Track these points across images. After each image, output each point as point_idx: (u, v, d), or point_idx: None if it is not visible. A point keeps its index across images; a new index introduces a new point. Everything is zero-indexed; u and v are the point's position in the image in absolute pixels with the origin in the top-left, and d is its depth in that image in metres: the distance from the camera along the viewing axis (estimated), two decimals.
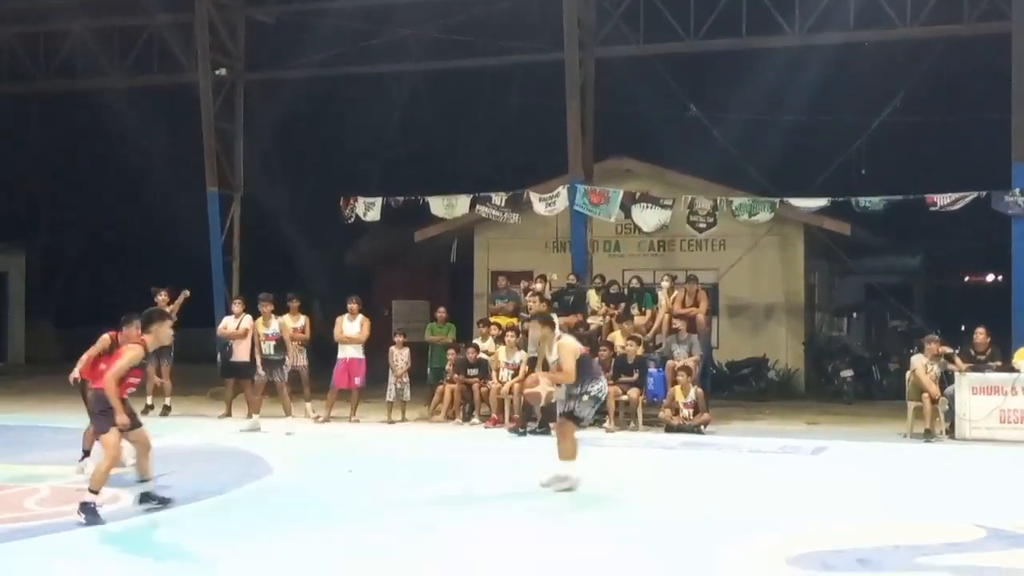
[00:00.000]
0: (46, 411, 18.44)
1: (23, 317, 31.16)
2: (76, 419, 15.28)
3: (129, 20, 24.24)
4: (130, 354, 9.60)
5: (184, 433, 15.39)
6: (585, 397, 11.05)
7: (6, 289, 30.69)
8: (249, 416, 16.22)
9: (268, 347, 17.01)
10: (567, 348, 11.11)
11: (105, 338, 10.68)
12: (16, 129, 32.94)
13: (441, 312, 19.19)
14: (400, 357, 17.54)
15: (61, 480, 11.10)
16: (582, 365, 11.09)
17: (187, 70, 23.79)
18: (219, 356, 18.05)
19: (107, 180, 33.69)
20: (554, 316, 12.12)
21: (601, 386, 11.28)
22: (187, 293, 18.39)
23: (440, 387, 17.73)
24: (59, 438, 15.00)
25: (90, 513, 9.09)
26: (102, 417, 9.51)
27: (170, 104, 27.92)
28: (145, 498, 9.74)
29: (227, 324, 17.64)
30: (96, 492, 9.21)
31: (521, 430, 15.76)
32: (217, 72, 23.25)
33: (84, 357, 10.93)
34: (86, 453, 11.45)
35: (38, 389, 22.66)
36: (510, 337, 17.43)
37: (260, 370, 16.81)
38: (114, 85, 25.80)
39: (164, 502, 9.70)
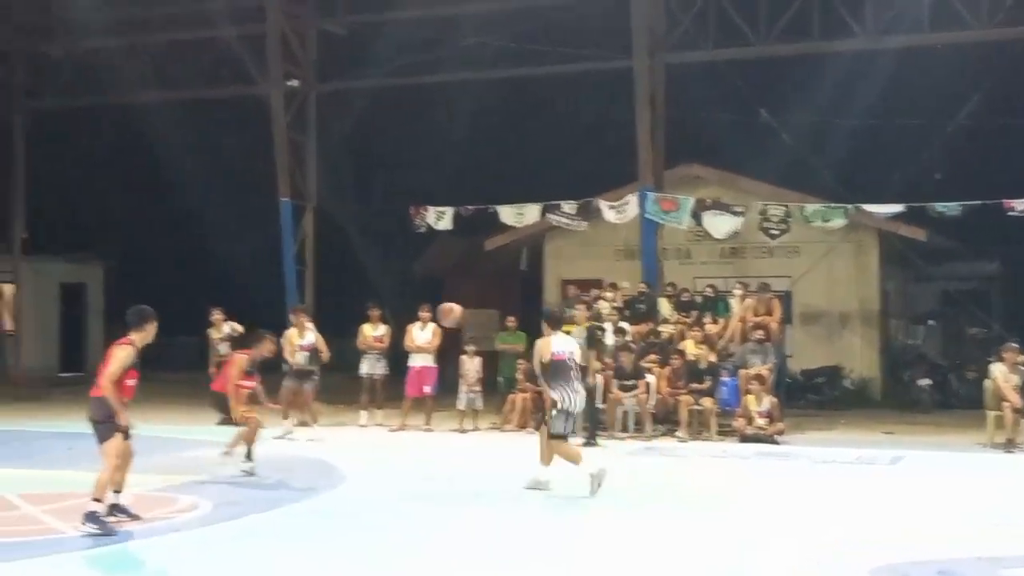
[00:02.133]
0: None
1: (102, 327, 31.70)
2: (155, 427, 15.57)
3: (202, 33, 24.57)
4: (121, 355, 9.48)
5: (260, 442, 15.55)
6: (556, 411, 10.97)
7: (85, 299, 31.25)
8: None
9: (302, 357, 16.99)
10: (536, 348, 11.18)
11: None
12: (92, 142, 33.54)
13: (511, 321, 19.20)
14: (471, 366, 17.58)
15: (140, 488, 11.27)
16: (552, 370, 11.01)
17: (259, 82, 24.06)
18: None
19: (182, 191, 34.16)
20: (553, 314, 11.94)
21: (567, 397, 11.00)
22: (240, 329, 18.39)
23: (511, 396, 17.73)
24: (136, 445, 15.27)
25: (96, 522, 8.98)
26: (103, 426, 9.41)
27: (243, 115, 28.28)
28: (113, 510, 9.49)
29: (291, 334, 17.76)
30: (100, 501, 9.10)
31: (591, 439, 15.69)
32: (289, 83, 23.50)
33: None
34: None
35: None
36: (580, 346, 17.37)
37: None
38: (187, 97, 26.21)
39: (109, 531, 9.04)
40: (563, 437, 11.15)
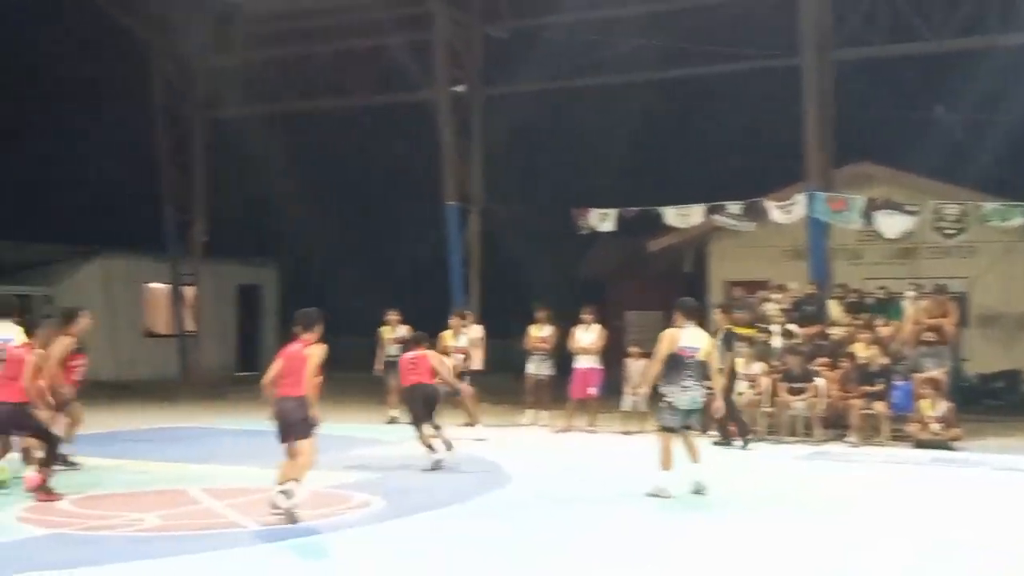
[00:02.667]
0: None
1: (276, 328, 32.75)
2: (327, 425, 16.02)
3: (369, 41, 25.16)
4: (318, 355, 9.89)
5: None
6: (662, 403, 11.06)
7: (260, 302, 32.34)
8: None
9: (394, 349, 17.45)
10: (663, 337, 11.14)
11: None
12: (265, 148, 34.66)
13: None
14: (635, 369, 17.51)
15: (315, 484, 11.61)
16: (670, 363, 10.96)
17: (425, 87, 24.49)
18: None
19: (351, 195, 35.03)
20: (689, 305, 11.79)
21: (675, 392, 11.01)
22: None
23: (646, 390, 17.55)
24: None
25: (290, 498, 9.49)
26: (303, 424, 9.76)
27: (410, 121, 28.84)
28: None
29: (446, 336, 18.07)
30: (297, 483, 9.59)
31: (739, 442, 15.46)
32: (455, 89, 23.86)
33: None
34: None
35: None
36: (745, 348, 17.15)
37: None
38: (356, 104, 26.90)
39: None
40: (669, 430, 11.11)
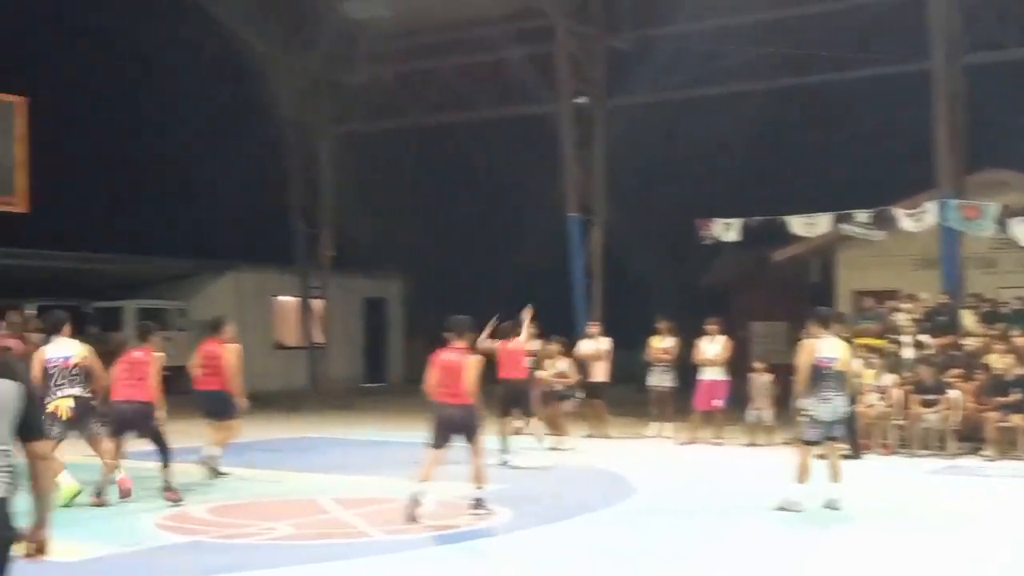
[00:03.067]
0: (424, 428, 19.53)
1: (401, 339, 33.24)
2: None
3: (494, 55, 25.42)
4: (475, 364, 10.49)
5: (550, 452, 15.91)
6: (802, 416, 10.89)
7: (386, 313, 32.85)
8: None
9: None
10: (802, 349, 11.03)
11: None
12: (390, 162, 35.21)
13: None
14: (760, 382, 17.29)
15: (445, 494, 11.75)
16: (813, 374, 10.81)
17: (548, 100, 24.61)
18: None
19: (474, 208, 35.35)
20: (824, 314, 11.63)
21: (815, 404, 10.78)
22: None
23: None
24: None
25: (483, 507, 10.31)
26: (476, 428, 10.47)
27: (531, 133, 29.02)
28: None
29: (583, 347, 18.11)
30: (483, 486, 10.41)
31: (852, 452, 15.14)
32: (577, 101, 23.94)
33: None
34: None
35: (417, 407, 24.01)
36: (875, 360, 16.81)
37: None
38: (480, 118, 27.19)
39: None
40: (809, 443, 10.93)
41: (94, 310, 24.99)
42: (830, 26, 21.55)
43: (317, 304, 28.83)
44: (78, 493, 10.84)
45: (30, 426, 4.39)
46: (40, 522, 4.50)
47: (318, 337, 28.73)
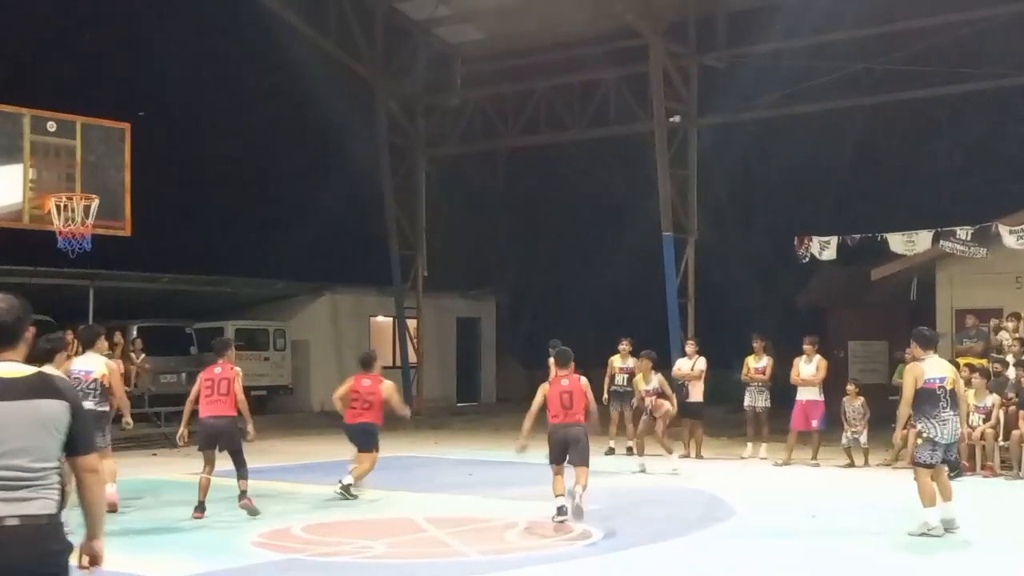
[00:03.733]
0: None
1: (494, 359, 33.36)
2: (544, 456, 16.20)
3: (587, 76, 25.48)
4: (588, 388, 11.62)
5: (644, 473, 15.83)
6: (921, 439, 10.64)
7: (479, 333, 33.01)
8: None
9: (622, 379, 17.78)
10: (908, 372, 10.88)
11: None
12: (486, 184, 35.50)
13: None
14: (852, 406, 16.98)
15: (538, 514, 11.77)
16: (921, 398, 10.59)
17: (641, 120, 24.57)
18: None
19: (566, 227, 35.44)
20: (926, 335, 11.26)
21: (932, 426, 10.48)
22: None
23: (903, 432, 16.97)
24: (531, 473, 15.93)
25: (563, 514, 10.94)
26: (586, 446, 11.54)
27: (623, 152, 29.04)
28: None
29: (681, 366, 18.00)
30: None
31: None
32: (671, 120, 23.87)
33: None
34: None
35: (510, 427, 24.09)
36: (977, 379, 16.40)
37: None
38: (573, 139, 27.27)
39: None
40: (928, 467, 10.65)
41: (195, 330, 25.50)
42: (931, 40, 21.17)
43: (411, 324, 29.07)
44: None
45: (78, 442, 4.53)
46: (92, 534, 4.66)
47: (412, 357, 28.95)
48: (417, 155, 28.35)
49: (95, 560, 4.71)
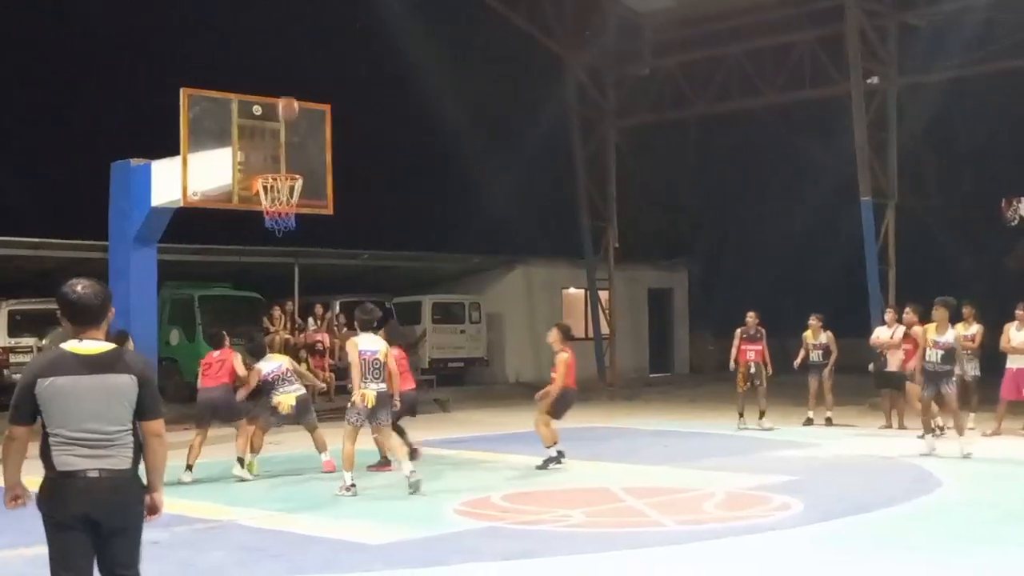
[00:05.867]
0: (713, 418, 19.51)
1: (686, 330, 33.16)
2: (727, 426, 16.08)
3: (780, 39, 24.92)
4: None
5: (844, 444, 15.52)
6: None
7: (671, 304, 32.83)
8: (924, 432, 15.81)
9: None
10: None
11: None
12: (677, 153, 35.16)
13: None
14: None
15: (737, 486, 11.70)
16: None
17: (838, 82, 23.90)
18: (872, 366, 17.85)
19: (759, 195, 34.81)
20: None
21: None
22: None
23: None
24: (728, 444, 15.84)
25: None
26: None
27: (820, 116, 28.30)
28: None
29: (879, 334, 17.50)
30: None
31: None
32: (869, 81, 23.14)
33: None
34: None
35: (704, 398, 24.01)
36: None
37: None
38: (766, 104, 26.73)
39: None
40: None
41: (395, 305, 26.20)
42: None
43: (604, 295, 29.12)
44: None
45: (145, 409, 5.39)
46: (153, 487, 5.51)
47: (605, 328, 29.02)
48: (607, 126, 28.29)
49: (154, 510, 5.52)
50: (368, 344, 11.64)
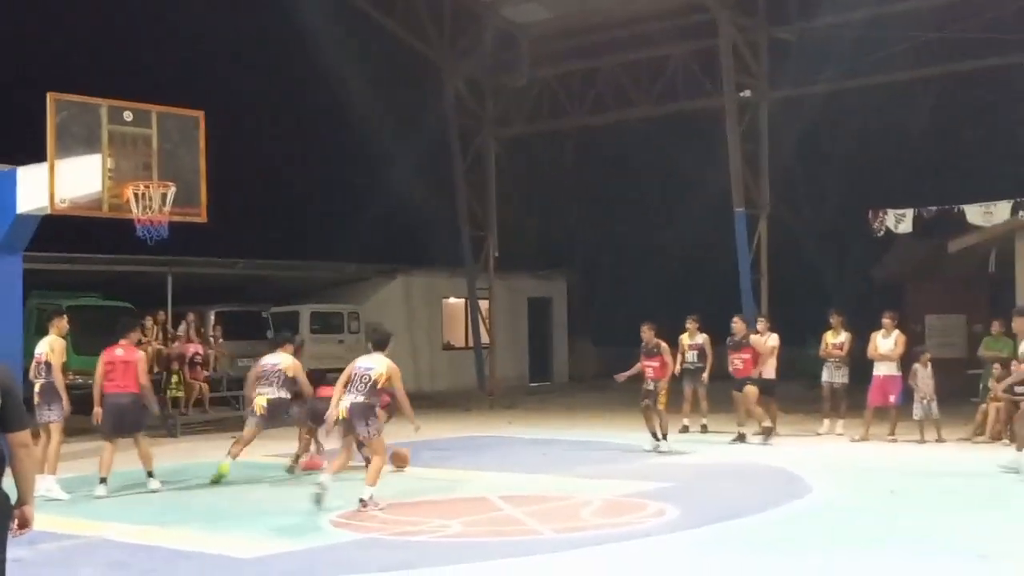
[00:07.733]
0: (590, 427, 19.65)
1: (565, 338, 33.38)
2: (617, 435, 16.22)
3: (655, 52, 25.32)
4: None
5: (719, 450, 15.79)
6: None
7: (551, 313, 33.02)
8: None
9: (692, 356, 18.05)
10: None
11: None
12: (555, 163, 35.46)
13: (996, 326, 17.79)
14: (923, 376, 16.72)
15: (612, 492, 11.79)
16: None
17: (711, 94, 24.38)
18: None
19: (636, 205, 35.32)
20: None
21: None
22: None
23: (983, 405, 16.74)
24: (605, 452, 15.96)
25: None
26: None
27: (692, 128, 28.83)
28: None
29: (753, 342, 17.81)
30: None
31: None
32: (742, 94, 23.64)
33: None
34: None
35: (582, 406, 24.18)
36: None
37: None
38: (642, 115, 27.11)
39: None
40: None
41: (271, 314, 25.83)
42: (1005, 6, 20.72)
43: (483, 305, 29.17)
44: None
45: (8, 420, 5.24)
46: (22, 500, 5.33)
47: (485, 337, 29.07)
48: (486, 135, 28.38)
49: (24, 523, 5.36)
50: (365, 361, 11.60)
